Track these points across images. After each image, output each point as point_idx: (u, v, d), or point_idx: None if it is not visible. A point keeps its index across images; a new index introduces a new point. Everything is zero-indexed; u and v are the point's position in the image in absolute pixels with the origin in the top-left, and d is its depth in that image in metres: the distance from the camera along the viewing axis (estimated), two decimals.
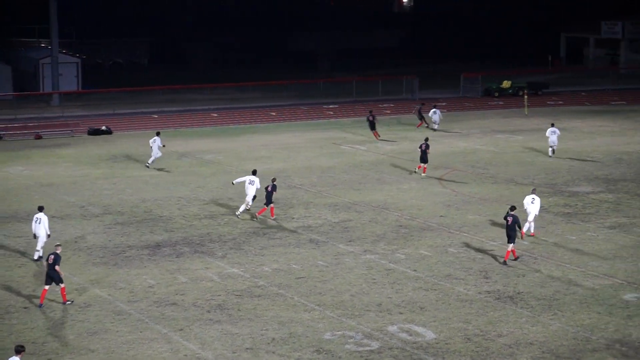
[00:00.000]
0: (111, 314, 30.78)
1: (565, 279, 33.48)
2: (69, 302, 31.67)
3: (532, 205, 38.83)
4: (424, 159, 52.02)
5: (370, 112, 66.32)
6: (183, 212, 44.33)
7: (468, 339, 28.20)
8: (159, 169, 54.32)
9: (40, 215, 36.55)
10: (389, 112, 79.34)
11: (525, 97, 78.47)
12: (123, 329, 29.42)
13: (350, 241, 38.86)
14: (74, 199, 47.23)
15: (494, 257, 36.31)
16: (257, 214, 42.85)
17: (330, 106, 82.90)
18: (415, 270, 34.82)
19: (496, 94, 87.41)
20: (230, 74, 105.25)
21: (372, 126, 64.50)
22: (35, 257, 36.55)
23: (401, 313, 30.42)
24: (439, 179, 50.85)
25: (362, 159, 57.08)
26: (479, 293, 32.21)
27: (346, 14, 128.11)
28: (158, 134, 56.31)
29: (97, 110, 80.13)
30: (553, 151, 56.98)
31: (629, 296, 31.65)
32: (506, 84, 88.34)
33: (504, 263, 35.43)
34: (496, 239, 38.72)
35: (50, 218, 41.47)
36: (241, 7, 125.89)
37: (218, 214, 43.50)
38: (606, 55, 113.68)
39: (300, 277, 34.25)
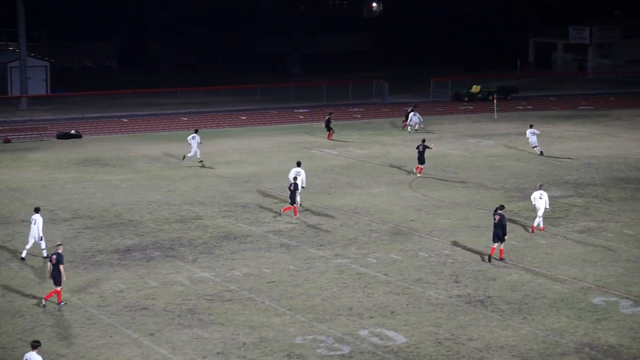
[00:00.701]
0: (81, 318, 30.64)
1: (535, 283, 33.65)
2: (62, 304, 31.76)
3: (540, 200, 40.38)
4: (421, 159, 52.44)
5: (330, 114, 67.61)
6: (154, 216, 44.20)
7: (439, 343, 28.28)
8: (200, 165, 56.30)
9: (36, 216, 36.99)
10: (359, 116, 79.47)
11: (495, 101, 78.83)
12: (93, 334, 29.28)
13: (321, 245, 38.88)
14: (43, 203, 46.87)
15: (465, 261, 36.44)
16: (282, 210, 44.11)
17: (301, 110, 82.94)
18: (386, 275, 34.88)
19: (466, 99, 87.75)
20: (200, 78, 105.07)
21: (328, 127, 65.83)
22: (23, 255, 37.12)
23: (372, 317, 30.46)
24: (412, 182, 51.01)
25: (332, 163, 57.14)
26: (450, 297, 32.31)
27: (316, 18, 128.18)
28: (197, 131, 57.94)
29: (66, 114, 79.74)
30: (541, 152, 58.53)
31: (597, 300, 31.84)
32: (476, 88, 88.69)
33: (500, 259, 36.20)
34: (467, 243, 38.87)
35: (20, 222, 41.29)
36: (211, 11, 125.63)
37: (189, 218, 43.40)
38: (574, 60, 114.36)
39: (271, 282, 34.23)
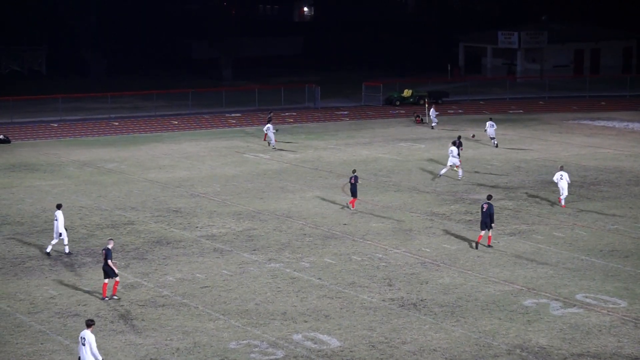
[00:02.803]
0: (11, 325, 30.23)
1: (468, 286, 33.94)
2: (115, 297, 32.56)
3: (562, 180, 45.44)
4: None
5: (270, 113, 69.28)
6: (85, 221, 43.77)
7: (372, 346, 28.39)
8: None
9: (58, 213, 37.84)
10: (291, 120, 79.53)
11: (427, 105, 79.41)
12: (23, 341, 28.90)
13: (254, 250, 38.82)
14: None
15: (398, 264, 36.64)
16: (349, 203, 45.85)
17: (233, 115, 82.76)
18: (319, 279, 34.93)
19: (397, 103, 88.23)
20: (132, 82, 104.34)
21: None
22: (47, 250, 38.15)
23: (306, 321, 30.48)
24: (344, 187, 51.17)
25: (265, 168, 57.10)
26: (383, 300, 32.46)
27: (248, 23, 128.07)
28: (270, 120, 65.86)
29: None
30: (496, 145, 61.17)
31: (528, 302, 32.21)
32: (407, 92, 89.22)
33: (488, 246, 38.45)
34: (399, 246, 39.10)
35: None
36: (143, 15, 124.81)
37: (120, 224, 43.05)
38: (503, 65, 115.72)
39: (205, 287, 34.09)
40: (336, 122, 79.60)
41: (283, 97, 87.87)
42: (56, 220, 37.84)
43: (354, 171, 46.80)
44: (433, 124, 73.13)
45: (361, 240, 40.21)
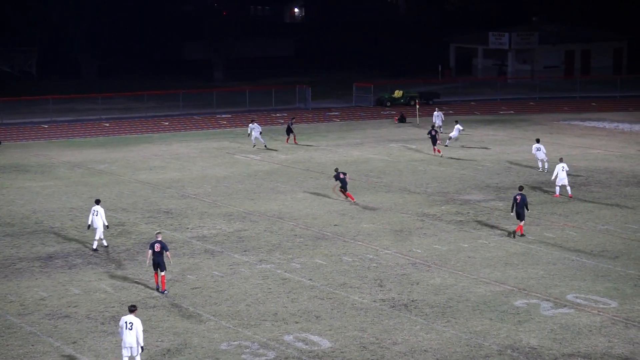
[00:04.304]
0: (1, 327, 30.16)
1: (458, 287, 33.97)
2: (166, 292, 33.15)
3: (562, 172, 47.71)
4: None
5: (292, 118, 69.45)
6: (75, 223, 43.70)
7: (364, 347, 28.38)
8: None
9: (97, 207, 38.80)
10: (282, 121, 79.49)
11: (417, 106, 79.46)
12: (14, 343, 28.84)
13: (245, 251, 38.80)
14: None
15: (389, 265, 36.65)
16: (348, 197, 47.39)
17: (224, 116, 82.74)
18: (310, 280, 34.93)
19: (388, 104, 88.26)
20: (123, 84, 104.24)
21: (289, 131, 66.20)
22: (94, 247, 38.87)
23: (297, 322, 30.47)
24: (335, 187, 51.18)
25: (256, 169, 57.08)
26: (374, 301, 32.46)
27: (239, 24, 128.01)
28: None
29: None
30: (446, 145, 62.95)
31: (519, 302, 32.24)
32: (398, 93, 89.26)
33: (522, 235, 40.34)
34: (390, 247, 39.11)
35: None
36: (134, 16, 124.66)
37: (111, 225, 42.91)
38: (494, 66, 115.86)
39: (196, 288, 34.06)
40: (327, 122, 79.63)
41: (274, 98, 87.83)
42: (95, 215, 38.70)
43: (336, 169, 47.96)
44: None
45: (352, 241, 40.21)
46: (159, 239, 33.70)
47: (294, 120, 70.45)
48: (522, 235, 40.52)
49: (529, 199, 47.73)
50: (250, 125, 65.52)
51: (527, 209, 40.89)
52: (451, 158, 59.46)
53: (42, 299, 32.92)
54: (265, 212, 45.69)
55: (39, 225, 43.25)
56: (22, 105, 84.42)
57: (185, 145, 66.78)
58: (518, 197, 40.54)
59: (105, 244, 39.47)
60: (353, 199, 47.32)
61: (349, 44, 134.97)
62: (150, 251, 33.70)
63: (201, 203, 47.75)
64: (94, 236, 39.14)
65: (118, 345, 28.39)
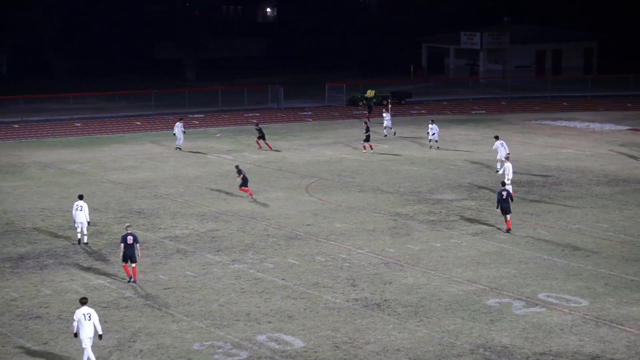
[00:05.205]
0: None
1: (431, 286, 34.06)
2: (136, 282, 34.22)
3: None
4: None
5: (257, 123, 67.31)
6: (47, 223, 43.49)
7: (336, 346, 28.41)
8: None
9: (81, 203, 39.46)
10: (255, 121, 79.39)
11: (390, 106, 79.58)
12: None
13: (218, 251, 38.74)
14: None
15: (362, 265, 36.69)
16: (249, 195, 48.17)
17: (196, 115, 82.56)
18: (283, 279, 34.92)
19: (360, 104, 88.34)
20: (95, 84, 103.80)
21: (263, 137, 64.44)
22: (85, 241, 39.69)
23: (270, 322, 30.46)
24: (308, 187, 51.18)
25: (229, 169, 56.94)
26: (347, 301, 32.50)
27: (211, 24, 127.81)
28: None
29: None
30: (436, 145, 63.23)
31: (491, 301, 32.37)
32: (370, 93, 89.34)
33: (508, 231, 40.98)
34: (363, 246, 39.16)
35: None
36: (106, 16, 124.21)
37: None
38: (466, 65, 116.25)
39: (168, 288, 33.98)
40: (300, 122, 79.63)
41: (247, 97, 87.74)
42: (79, 210, 39.22)
43: (237, 166, 49.47)
44: (385, 129, 69.79)
45: (325, 241, 40.23)
46: (130, 231, 34.37)
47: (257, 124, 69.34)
48: (509, 230, 41.23)
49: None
50: (177, 124, 65.02)
51: (512, 200, 41.91)
52: (423, 157, 59.57)
53: (12, 299, 32.73)
54: (238, 212, 45.64)
55: (10, 226, 43.00)
56: None
57: (157, 144, 66.57)
58: (504, 193, 41.15)
59: (86, 241, 39.64)
60: (252, 195, 48.14)
61: (321, 43, 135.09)
62: (122, 244, 34.12)
63: (174, 203, 47.64)
64: (79, 231, 39.60)
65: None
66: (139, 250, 34.50)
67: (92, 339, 26.65)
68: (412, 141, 67.29)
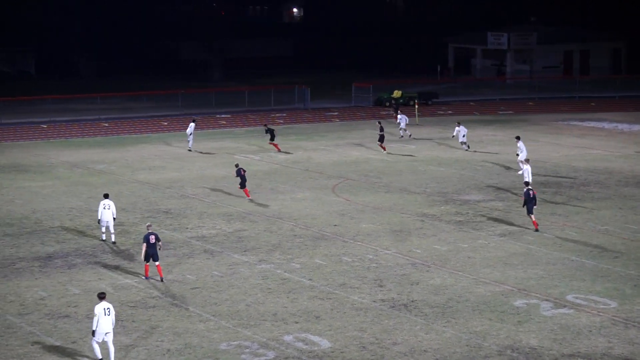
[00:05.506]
0: (1, 327, 30.14)
1: (458, 287, 33.96)
2: (162, 280, 34.55)
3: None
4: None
5: (265, 125, 66.61)
6: (75, 223, 43.69)
7: (363, 347, 28.38)
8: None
9: (108, 201, 39.92)
10: (281, 121, 79.50)
11: (416, 106, 79.45)
12: (13, 343, 28.82)
13: (245, 251, 38.79)
14: None
15: (389, 265, 36.63)
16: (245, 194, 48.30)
17: (223, 116, 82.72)
18: (310, 280, 34.92)
19: (387, 104, 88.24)
20: (121, 83, 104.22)
21: (273, 137, 63.95)
22: (112, 239, 39.87)
23: (297, 322, 30.46)
24: (335, 187, 51.17)
25: (255, 169, 57.02)
26: (374, 301, 32.46)
27: (237, 24, 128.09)
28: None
29: None
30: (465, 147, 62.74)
31: (519, 303, 32.25)
32: (397, 93, 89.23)
33: (536, 231, 41.03)
34: (390, 247, 39.11)
35: None
36: (133, 17, 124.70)
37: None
38: (493, 66, 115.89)
39: (195, 288, 34.05)
40: (326, 123, 79.62)
41: (273, 98, 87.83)
42: (107, 208, 39.64)
43: (237, 165, 49.30)
44: (401, 131, 69.24)
45: (352, 241, 40.21)
46: (151, 230, 34.86)
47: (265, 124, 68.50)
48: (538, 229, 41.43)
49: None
50: (191, 124, 64.88)
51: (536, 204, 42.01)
52: (450, 158, 59.43)
53: (41, 298, 32.91)
54: (265, 212, 45.68)
55: (39, 225, 43.23)
56: (20, 105, 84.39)
57: (184, 145, 66.73)
58: (531, 192, 41.40)
59: (114, 239, 39.90)
60: (249, 196, 48.26)
61: (348, 44, 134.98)
62: (145, 244, 34.48)
63: (200, 203, 47.74)
64: (104, 230, 40.03)
65: (119, 345, 28.38)
66: (160, 248, 35.01)
67: (110, 334, 26.94)
68: (438, 142, 67.14)
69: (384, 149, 62.56)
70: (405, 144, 66.29)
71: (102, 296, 27.38)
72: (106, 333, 26.94)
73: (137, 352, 28.05)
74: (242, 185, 48.31)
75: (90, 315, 30.93)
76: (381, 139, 62.75)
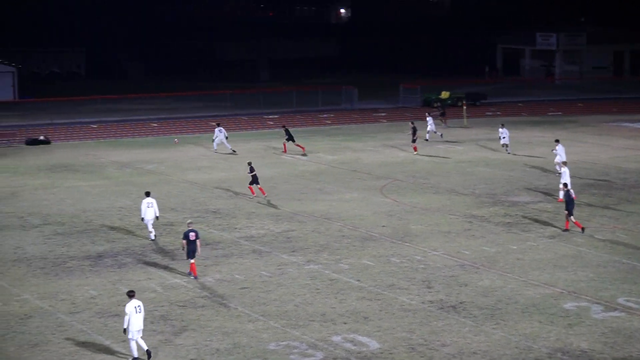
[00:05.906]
0: (52, 325, 30.44)
1: (507, 289, 33.78)
2: (196, 278, 34.86)
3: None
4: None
5: (284, 125, 66.36)
6: (124, 222, 44.02)
7: (412, 348, 28.32)
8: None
9: (150, 199, 40.45)
10: (329, 122, 79.57)
11: (464, 107, 79.15)
12: (65, 341, 29.10)
13: (293, 251, 38.86)
14: (12, 209, 46.70)
15: (437, 267, 36.52)
16: (261, 191, 48.76)
17: (271, 116, 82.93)
18: (358, 280, 34.91)
19: (436, 105, 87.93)
20: (169, 84, 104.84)
21: (292, 138, 63.31)
22: (152, 238, 40.54)
23: (345, 323, 30.46)
24: (383, 188, 51.11)
25: (303, 169, 57.13)
26: (422, 303, 32.38)
27: (286, 24, 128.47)
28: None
29: (34, 120, 79.34)
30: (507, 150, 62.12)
31: (569, 305, 32.01)
32: (445, 94, 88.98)
33: (582, 231, 40.99)
34: (438, 248, 38.99)
35: None
36: (179, 17, 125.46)
37: (160, 224, 43.17)
38: (542, 67, 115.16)
39: (244, 288, 34.17)
40: (374, 123, 79.55)
41: (320, 98, 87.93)
42: (150, 206, 40.17)
43: (249, 163, 49.67)
44: (428, 134, 68.48)
45: (400, 242, 40.14)
46: (192, 227, 35.30)
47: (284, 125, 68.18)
48: (567, 229, 41.33)
49: (578, 200, 47.49)
50: (216, 130, 64.57)
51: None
52: (498, 159, 59.11)
53: (92, 297, 33.19)
54: (313, 212, 45.73)
55: (89, 224, 43.61)
56: (70, 106, 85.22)
57: (232, 145, 66.95)
58: (572, 192, 41.57)
59: (153, 237, 40.36)
60: (253, 193, 48.70)
61: (395, 44, 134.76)
62: (184, 241, 35.00)
63: (249, 203, 47.89)
64: (150, 229, 40.58)
65: (168, 344, 28.59)
66: (199, 247, 35.27)
67: (140, 331, 27.29)
68: (486, 143, 66.83)
69: (415, 149, 62.35)
70: (452, 145, 66.02)
71: (131, 294, 27.67)
72: (137, 330, 27.27)
73: (187, 351, 28.20)
74: (253, 182, 48.82)
75: None
76: (414, 140, 62.64)
